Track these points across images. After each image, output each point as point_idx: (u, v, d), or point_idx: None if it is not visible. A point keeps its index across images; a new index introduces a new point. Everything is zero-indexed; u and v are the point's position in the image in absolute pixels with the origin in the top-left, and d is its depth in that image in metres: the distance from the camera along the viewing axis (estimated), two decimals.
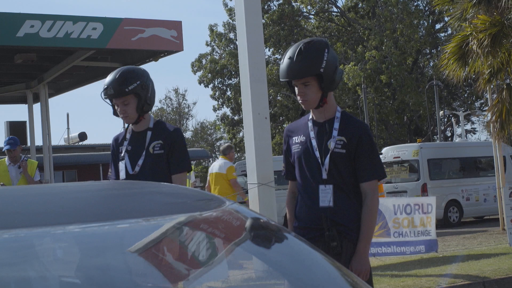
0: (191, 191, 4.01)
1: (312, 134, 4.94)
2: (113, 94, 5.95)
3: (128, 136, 6.07)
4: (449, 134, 44.87)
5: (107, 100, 6.14)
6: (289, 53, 4.91)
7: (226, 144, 19.00)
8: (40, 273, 3.00)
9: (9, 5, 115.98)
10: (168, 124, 6.31)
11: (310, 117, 5.02)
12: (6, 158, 12.65)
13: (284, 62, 4.90)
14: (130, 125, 6.08)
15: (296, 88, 4.92)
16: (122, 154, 6.01)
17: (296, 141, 5.06)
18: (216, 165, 16.73)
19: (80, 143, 32.49)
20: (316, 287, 3.23)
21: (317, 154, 4.85)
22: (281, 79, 5.19)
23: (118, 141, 6.22)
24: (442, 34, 41.35)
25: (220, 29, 43.20)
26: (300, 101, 4.94)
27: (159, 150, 5.88)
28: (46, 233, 2.99)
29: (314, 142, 4.90)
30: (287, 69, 4.87)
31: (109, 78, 5.95)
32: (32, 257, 3.02)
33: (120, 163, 6.04)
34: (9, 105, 23.97)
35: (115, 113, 6.21)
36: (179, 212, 3.41)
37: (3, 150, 13.19)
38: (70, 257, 3.21)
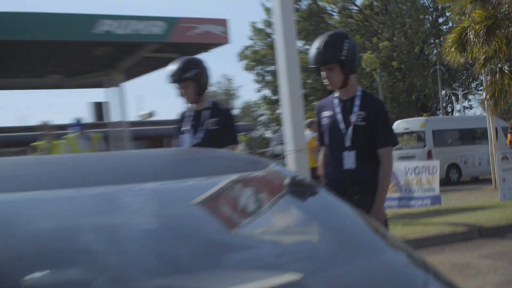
0: (242, 156, 4.04)
1: (337, 109, 4.96)
2: (176, 80, 6.03)
3: (190, 114, 6.13)
4: (449, 110, 44.33)
5: (172, 85, 6.18)
6: (316, 44, 4.94)
7: (309, 120, 18.79)
8: (126, 219, 3.05)
9: (87, 6, 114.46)
10: (222, 104, 6.39)
11: (336, 95, 5.04)
12: (78, 134, 12.78)
13: (312, 52, 4.95)
14: (192, 104, 6.15)
15: (323, 73, 4.95)
16: (185, 129, 6.10)
17: (325, 115, 5.08)
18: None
19: (150, 118, 32.35)
20: (344, 230, 3.28)
21: (341, 126, 4.88)
22: (310, 66, 5.19)
23: (182, 118, 6.27)
24: (444, 27, 40.75)
25: (259, 25, 42.99)
26: (326, 83, 5.01)
27: (215, 126, 5.91)
28: (129, 189, 3.09)
29: (339, 117, 4.92)
30: (315, 58, 4.91)
31: (173, 67, 6.04)
32: (119, 207, 3.11)
33: (183, 135, 6.12)
34: (87, 89, 23.85)
35: (178, 95, 6.24)
36: (233, 172, 3.49)
37: (73, 131, 13.15)
38: (149, 208, 3.25)
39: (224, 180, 3.41)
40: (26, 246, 2.57)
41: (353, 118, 4.82)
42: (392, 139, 4.93)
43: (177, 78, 5.96)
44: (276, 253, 3.21)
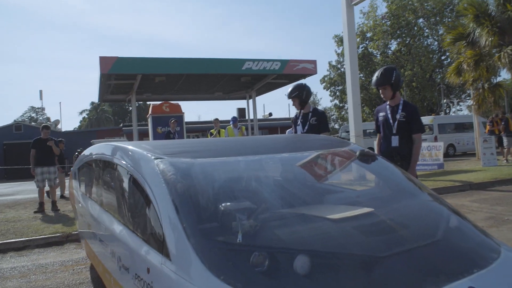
0: (333, 138, 3.90)
1: (388, 111, 4.71)
2: (289, 97, 5.74)
3: (300, 115, 5.79)
4: (448, 111, 41.89)
5: (289, 99, 5.82)
6: (376, 73, 4.70)
7: None
8: (269, 172, 3.13)
9: (234, 52, 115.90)
10: (318, 109, 5.95)
11: (388, 103, 4.77)
12: (232, 125, 12.45)
13: (374, 78, 4.70)
14: (300, 110, 5.80)
15: (380, 90, 4.71)
16: (298, 123, 5.80)
17: (381, 114, 4.81)
18: None
19: (270, 117, 32.41)
20: (394, 181, 3.11)
21: (391, 121, 4.65)
22: (372, 86, 5.01)
23: (296, 117, 5.91)
24: (445, 62, 38.35)
25: (333, 63, 42.11)
26: (382, 96, 4.71)
27: (315, 122, 5.64)
28: (261, 158, 3.00)
29: (389, 115, 4.68)
30: (376, 82, 4.66)
31: (289, 89, 5.76)
32: (265, 166, 3.13)
33: (297, 127, 5.83)
34: (235, 100, 24.06)
35: (293, 104, 5.87)
36: (327, 148, 3.34)
37: (231, 123, 12.66)
38: (279, 166, 3.12)
39: (320, 152, 3.32)
40: (220, 186, 2.62)
41: (397, 116, 4.59)
42: (421, 129, 4.63)
43: (289, 96, 5.73)
44: (354, 195, 3.13)
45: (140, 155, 2.73)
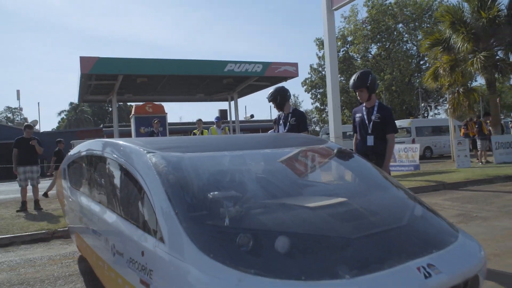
0: (311, 137, 4.11)
1: (364, 113, 4.91)
2: (270, 100, 5.92)
3: (282, 116, 5.95)
4: (426, 115, 42.85)
5: (269, 102, 6.00)
6: (353, 77, 4.87)
7: None
8: (252, 166, 3.38)
9: (218, 54, 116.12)
10: (298, 110, 6.13)
11: (364, 105, 4.96)
12: (215, 126, 12.52)
13: (351, 81, 4.88)
14: (283, 112, 5.96)
15: (357, 93, 4.91)
16: (280, 123, 5.97)
17: (357, 115, 5.01)
18: None
19: (251, 118, 32.58)
20: (368, 176, 3.39)
21: (366, 122, 4.86)
22: (350, 89, 5.20)
23: (278, 118, 6.09)
24: (423, 66, 39.29)
25: (314, 66, 42.66)
26: (359, 98, 4.93)
27: (294, 122, 5.80)
28: (245, 153, 3.26)
29: (365, 116, 4.89)
30: (353, 84, 4.85)
31: (269, 92, 5.96)
32: (248, 160, 3.39)
33: (279, 127, 5.99)
34: (217, 102, 24.11)
35: (274, 107, 6.09)
36: (306, 145, 3.59)
37: (215, 122, 12.79)
38: (261, 161, 3.42)
39: (300, 149, 3.55)
40: (208, 177, 2.86)
41: (373, 117, 4.83)
42: (394, 129, 4.86)
43: (270, 99, 5.91)
44: (330, 187, 3.40)
45: (133, 150, 2.95)
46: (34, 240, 6.24)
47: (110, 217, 3.02)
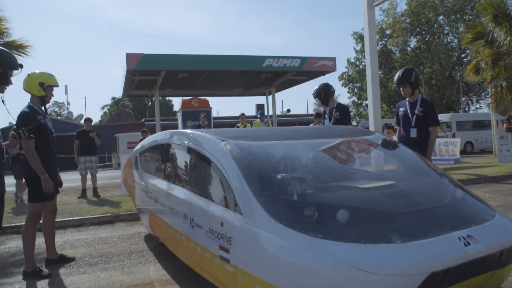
0: (360, 129, 4.50)
1: (408, 107, 5.21)
2: (315, 97, 6.30)
3: (327, 110, 6.29)
4: (467, 109, 41.91)
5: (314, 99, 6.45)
6: (398, 73, 5.22)
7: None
8: (304, 154, 3.84)
9: (251, 48, 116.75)
10: (342, 104, 6.46)
11: (407, 99, 5.26)
12: (259, 120, 13.06)
13: (396, 77, 5.23)
14: (327, 107, 6.25)
15: (401, 88, 5.23)
16: (326, 117, 6.31)
17: (401, 110, 5.32)
18: None
19: (288, 113, 32.73)
20: (413, 163, 3.83)
21: (410, 115, 5.16)
22: (394, 85, 5.51)
23: (324, 112, 6.40)
24: (465, 59, 38.34)
25: (351, 59, 42.48)
26: (403, 93, 5.23)
27: (339, 116, 6.12)
28: (304, 142, 3.71)
29: (408, 110, 5.19)
30: (397, 80, 5.19)
31: (315, 89, 6.27)
32: (302, 150, 3.85)
33: (324, 121, 6.37)
34: (255, 97, 24.44)
35: (320, 104, 6.54)
36: (354, 136, 4.14)
37: (258, 117, 13.36)
38: (308, 150, 3.92)
39: (351, 138, 3.98)
40: (275, 161, 3.35)
41: (416, 111, 5.14)
42: (436, 122, 5.16)
43: (315, 95, 6.29)
44: (380, 173, 3.82)
45: (209, 139, 3.47)
46: (101, 222, 6.96)
47: (189, 196, 3.55)
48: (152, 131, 24.75)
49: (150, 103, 56.42)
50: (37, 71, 4.41)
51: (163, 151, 4.52)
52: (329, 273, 2.28)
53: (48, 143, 4.36)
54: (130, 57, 14.68)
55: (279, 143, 3.60)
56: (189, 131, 3.94)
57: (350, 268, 2.22)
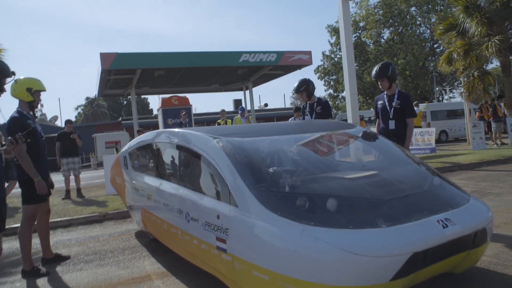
0: (339, 122, 4.73)
1: (386, 100, 5.42)
2: (296, 91, 6.36)
3: (307, 105, 6.44)
4: (440, 99, 42.97)
5: (295, 94, 6.57)
6: (375, 68, 5.39)
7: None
8: (292, 149, 4.06)
9: (232, 45, 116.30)
10: (323, 99, 6.57)
11: (385, 93, 5.46)
12: (239, 115, 13.20)
13: (373, 72, 5.41)
14: (307, 101, 6.40)
15: (378, 82, 5.44)
16: (306, 112, 6.44)
17: (379, 103, 5.52)
18: None
19: (265, 107, 32.93)
20: (392, 153, 4.10)
21: (388, 108, 5.38)
22: (372, 79, 5.57)
23: (304, 107, 6.51)
24: (437, 50, 39.35)
25: (326, 52, 42.93)
26: (380, 87, 5.44)
27: (320, 110, 6.26)
28: (291, 137, 3.99)
29: (386, 103, 5.40)
30: (375, 75, 5.37)
31: (295, 84, 6.35)
32: (289, 145, 4.06)
33: (305, 116, 6.47)
34: (233, 92, 24.56)
35: (300, 98, 6.72)
36: (335, 129, 4.37)
37: (239, 113, 13.42)
38: (290, 145, 4.21)
39: (334, 132, 4.20)
40: (266, 156, 3.54)
41: (393, 104, 5.37)
42: (413, 114, 5.38)
43: (297, 90, 6.39)
44: (363, 164, 4.06)
45: (201, 136, 3.65)
46: (89, 222, 7.04)
47: (183, 192, 3.72)
48: (130, 130, 24.57)
49: (125, 102, 55.81)
50: (22, 77, 4.48)
51: (154, 150, 4.67)
52: (322, 256, 2.50)
53: (39, 146, 4.45)
54: (104, 56, 14.57)
55: (268, 138, 3.81)
56: (178, 130, 4.10)
57: (342, 251, 2.45)
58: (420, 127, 16.08)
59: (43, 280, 4.20)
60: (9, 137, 3.89)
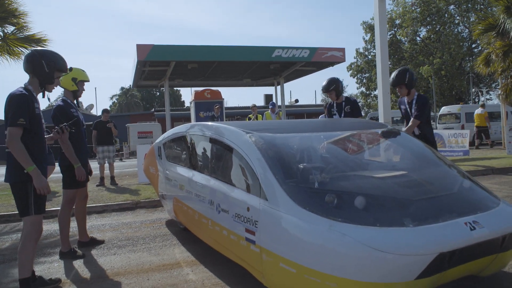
0: (370, 122, 4.78)
1: (407, 106, 5.58)
2: (324, 90, 6.33)
3: (334, 104, 6.41)
4: (477, 101, 41.78)
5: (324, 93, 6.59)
6: (392, 75, 5.55)
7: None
8: (314, 145, 4.12)
9: (259, 38, 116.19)
10: (351, 97, 6.57)
11: (405, 98, 5.61)
12: (270, 111, 13.05)
13: (391, 79, 5.57)
14: (335, 100, 6.36)
15: (397, 89, 5.57)
16: (334, 112, 6.43)
17: (402, 107, 5.67)
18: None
19: (296, 103, 32.78)
20: (425, 154, 4.15)
21: (410, 114, 5.51)
22: (390, 86, 5.87)
23: (330, 106, 6.52)
24: (475, 50, 38.21)
25: (360, 50, 42.44)
26: (399, 93, 5.57)
27: (349, 110, 6.26)
28: (323, 134, 4.05)
29: (408, 109, 5.56)
30: (392, 82, 5.53)
31: (324, 83, 6.31)
32: (321, 142, 4.12)
33: (333, 116, 6.46)
34: (264, 87, 24.72)
35: (328, 97, 6.45)
36: (366, 128, 4.41)
37: (270, 108, 13.17)
38: (320, 142, 4.26)
39: (366, 131, 4.26)
40: (297, 152, 3.63)
41: (413, 110, 5.50)
42: (419, 117, 5.47)
43: (326, 89, 6.33)
44: (390, 164, 4.09)
45: (234, 131, 3.76)
46: (122, 209, 7.32)
47: (215, 183, 3.86)
48: (162, 121, 25.08)
49: (158, 93, 56.80)
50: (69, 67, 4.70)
51: (187, 142, 4.83)
52: (348, 252, 2.57)
53: (80, 134, 4.68)
54: (140, 48, 14.96)
55: (299, 135, 3.88)
56: (212, 123, 4.23)
57: (367, 248, 2.52)
58: (485, 127, 15.77)
59: (79, 262, 4.43)
60: (55, 127, 4.14)
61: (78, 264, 4.36)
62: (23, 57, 3.98)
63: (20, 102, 3.37)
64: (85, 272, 4.10)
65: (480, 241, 2.79)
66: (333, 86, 6.29)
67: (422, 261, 2.55)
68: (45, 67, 3.60)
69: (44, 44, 10.17)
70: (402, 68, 5.50)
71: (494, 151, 16.62)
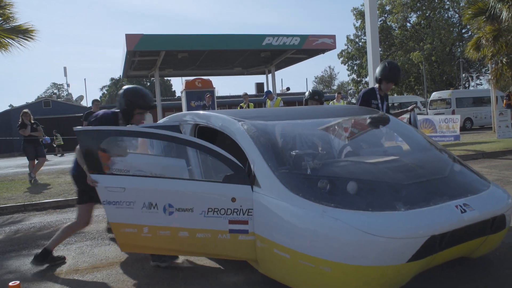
0: (363, 108, 4.74)
1: (379, 101, 5.06)
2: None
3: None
4: (467, 86, 42.01)
5: None
6: (386, 67, 4.95)
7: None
8: (315, 133, 4.14)
9: (250, 26, 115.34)
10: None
11: (378, 92, 5.09)
12: (267, 98, 12.48)
13: (382, 70, 4.96)
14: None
15: (383, 82, 5.04)
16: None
17: (373, 102, 5.05)
18: None
19: (287, 91, 32.52)
20: (415, 139, 4.15)
21: (380, 107, 5.06)
22: (379, 77, 5.03)
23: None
24: (465, 35, 38.31)
25: (351, 36, 42.31)
26: (383, 88, 5.08)
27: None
28: (314, 121, 4.06)
29: (380, 105, 5.07)
30: (385, 75, 4.97)
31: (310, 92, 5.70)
32: (313, 128, 4.12)
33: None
34: (255, 76, 24.64)
35: None
36: (357, 115, 4.44)
37: (265, 95, 12.63)
38: (313, 129, 4.28)
39: (358, 117, 4.23)
40: (289, 139, 3.64)
41: (384, 105, 5.19)
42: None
43: (310, 98, 5.61)
44: (382, 150, 4.11)
45: (225, 119, 3.75)
46: None
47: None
48: (153, 111, 24.97)
49: (148, 84, 56.45)
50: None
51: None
52: (341, 236, 2.60)
53: None
54: (129, 38, 14.82)
55: (291, 122, 3.89)
56: (203, 112, 4.21)
57: (360, 232, 2.55)
58: None
59: (74, 252, 4.42)
60: None
61: (73, 255, 4.35)
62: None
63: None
64: (79, 263, 4.11)
65: (471, 223, 2.83)
66: (317, 97, 5.71)
67: (414, 244, 2.59)
68: (124, 104, 3.80)
69: (31, 35, 10.03)
70: (397, 66, 5.02)
71: (484, 135, 16.80)
